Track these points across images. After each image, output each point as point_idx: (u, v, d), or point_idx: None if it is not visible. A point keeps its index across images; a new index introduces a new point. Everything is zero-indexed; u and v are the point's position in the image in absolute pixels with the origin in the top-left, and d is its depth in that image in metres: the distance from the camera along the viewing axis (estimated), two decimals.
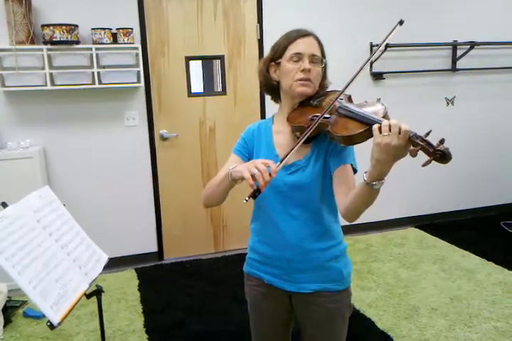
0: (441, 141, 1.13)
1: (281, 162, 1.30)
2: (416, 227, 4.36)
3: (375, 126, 1.17)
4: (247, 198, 1.25)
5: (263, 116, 3.79)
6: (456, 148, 4.39)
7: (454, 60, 4.22)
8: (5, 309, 2.82)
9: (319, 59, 1.46)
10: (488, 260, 3.60)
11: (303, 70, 1.43)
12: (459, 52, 4.20)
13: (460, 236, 4.09)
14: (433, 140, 1.14)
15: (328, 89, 1.55)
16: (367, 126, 1.26)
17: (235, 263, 3.64)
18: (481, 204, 4.66)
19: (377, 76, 4.01)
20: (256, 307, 1.66)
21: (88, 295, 1.42)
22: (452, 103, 4.35)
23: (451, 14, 4.17)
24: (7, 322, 2.82)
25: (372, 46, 3.94)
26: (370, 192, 1.25)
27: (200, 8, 3.56)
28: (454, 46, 4.19)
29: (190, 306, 3.04)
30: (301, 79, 1.44)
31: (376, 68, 3.99)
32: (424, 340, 2.62)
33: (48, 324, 1.17)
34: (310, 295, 1.52)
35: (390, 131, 1.15)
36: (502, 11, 4.33)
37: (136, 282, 3.41)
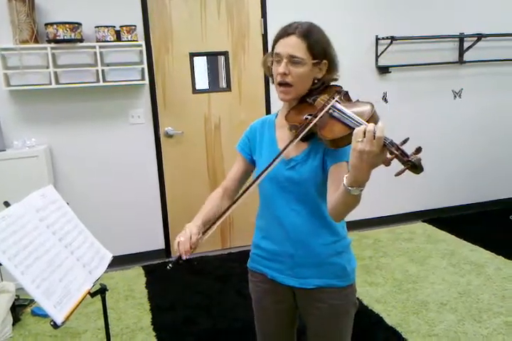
0: (417, 150, 1.08)
1: (205, 231, 1.47)
2: (424, 222, 4.33)
3: (355, 131, 1.14)
4: (170, 265, 1.39)
5: (268, 111, 3.76)
6: (464, 141, 4.39)
7: (461, 53, 4.17)
8: (13, 307, 2.83)
9: (300, 59, 1.39)
10: (498, 254, 3.56)
11: (278, 74, 1.41)
12: (466, 45, 4.15)
13: (469, 230, 4.06)
14: (409, 148, 1.09)
15: (332, 83, 1.51)
16: (350, 130, 1.22)
17: (242, 260, 3.59)
18: (489, 198, 4.61)
19: (383, 70, 3.98)
20: (260, 304, 1.65)
21: (92, 294, 1.42)
22: (460, 96, 4.30)
23: (458, 6, 4.12)
24: (16, 320, 2.83)
25: (378, 39, 3.90)
26: (348, 197, 1.21)
27: (203, 3, 3.54)
28: (461, 38, 4.14)
29: (197, 303, 3.04)
30: (279, 84, 1.43)
31: (382, 62, 3.95)
32: (434, 335, 2.60)
33: (52, 323, 1.17)
34: (313, 291, 1.50)
35: (364, 136, 1.11)
36: (509, 2, 4.27)
37: (144, 279, 3.42)
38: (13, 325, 2.79)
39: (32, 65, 3.10)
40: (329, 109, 1.34)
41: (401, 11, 3.95)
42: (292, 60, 1.39)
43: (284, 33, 1.41)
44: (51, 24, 3.04)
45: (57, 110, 3.35)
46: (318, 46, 1.41)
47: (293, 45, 1.39)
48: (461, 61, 4.18)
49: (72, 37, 3.08)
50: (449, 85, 4.26)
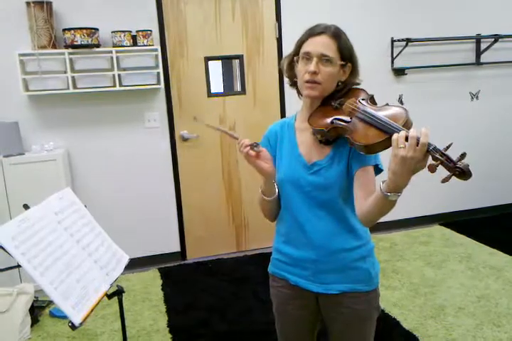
0: (462, 156, 1.07)
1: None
2: (441, 225, 4.28)
3: (395, 136, 1.12)
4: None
5: (283, 115, 3.77)
6: (482, 144, 4.33)
7: (478, 54, 4.12)
8: (32, 309, 2.88)
9: (331, 59, 1.39)
10: None
11: (308, 72, 1.39)
12: (483, 46, 4.11)
13: (487, 233, 4.00)
14: (453, 153, 1.07)
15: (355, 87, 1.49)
16: (386, 135, 1.20)
17: (258, 263, 3.64)
18: (508, 200, 4.54)
19: (399, 72, 3.95)
20: (282, 309, 1.63)
21: (109, 296, 1.43)
22: (477, 97, 4.25)
23: (474, 7, 4.08)
24: (34, 321, 2.87)
25: (393, 41, 3.88)
26: (384, 203, 1.21)
27: (218, 8, 3.57)
28: (478, 39, 4.10)
29: (213, 306, 3.04)
30: (307, 82, 1.40)
31: (398, 64, 3.93)
32: (451, 340, 2.56)
33: (70, 324, 1.18)
34: (337, 296, 1.49)
35: (406, 142, 1.09)
36: None
37: (160, 282, 3.43)
38: (32, 326, 2.84)
39: (50, 70, 3.15)
40: (360, 112, 1.32)
41: (416, 13, 3.93)
42: (323, 58, 1.38)
43: (314, 31, 1.41)
44: (69, 30, 3.09)
45: (74, 114, 3.40)
46: (346, 48, 1.42)
47: (324, 44, 1.39)
48: (478, 62, 4.14)
49: (89, 42, 3.12)
50: (466, 87, 4.22)
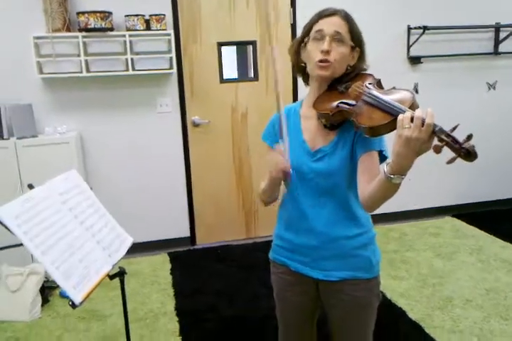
0: (469, 137, 1.05)
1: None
2: (453, 217, 4.23)
3: (400, 117, 1.11)
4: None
5: (295, 101, 3.73)
6: (497, 134, 4.25)
7: (497, 43, 4.03)
8: (42, 289, 2.93)
9: (343, 38, 1.38)
10: None
11: (321, 51, 1.37)
12: (502, 35, 4.01)
13: (499, 226, 3.95)
14: (460, 135, 1.05)
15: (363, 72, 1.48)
16: (392, 117, 1.19)
17: (266, 250, 3.60)
18: None
19: (415, 60, 3.89)
20: (282, 295, 1.64)
21: (111, 277, 1.45)
22: (494, 88, 4.17)
23: None
24: (44, 301, 2.93)
25: (409, 29, 3.81)
26: (388, 185, 1.20)
27: None
28: (497, 28, 4.01)
29: (220, 291, 3.07)
30: (320, 61, 1.38)
31: (414, 52, 3.87)
32: (458, 331, 2.55)
33: (70, 303, 1.21)
34: (338, 283, 1.49)
35: (412, 123, 1.08)
36: None
37: (169, 266, 3.47)
38: (42, 306, 2.90)
39: (64, 53, 3.16)
40: (366, 95, 1.30)
41: (434, 0, 3.84)
42: (336, 37, 1.37)
43: (325, 13, 1.41)
44: (83, 13, 3.09)
45: (87, 97, 3.41)
46: (356, 32, 1.42)
47: (336, 24, 1.38)
48: (496, 52, 4.05)
49: (103, 26, 3.12)
50: (484, 77, 4.13)
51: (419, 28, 3.75)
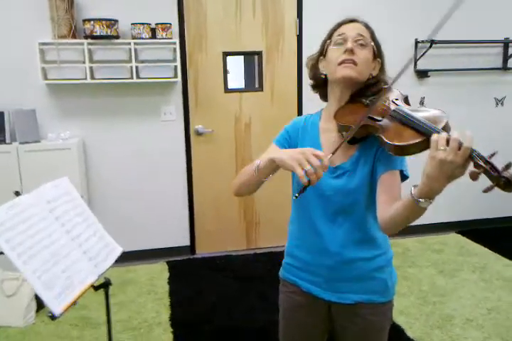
0: (507, 166, 0.98)
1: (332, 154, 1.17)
2: (458, 233, 4.17)
3: (435, 137, 1.03)
4: (297, 195, 1.17)
5: (300, 113, 3.72)
6: (505, 151, 4.18)
7: (505, 58, 3.99)
8: (37, 295, 2.91)
9: (367, 42, 1.33)
10: None
11: (345, 51, 1.30)
12: (511, 50, 3.97)
13: (504, 244, 3.87)
14: (498, 163, 0.99)
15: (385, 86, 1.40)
16: (424, 137, 1.11)
17: (266, 261, 3.61)
18: None
19: (422, 74, 3.86)
20: (290, 315, 1.54)
21: (96, 287, 1.42)
22: (502, 103, 4.12)
23: (503, 9, 3.94)
24: (39, 307, 2.91)
25: (417, 42, 3.79)
26: (413, 209, 1.11)
27: (239, 3, 3.54)
28: (506, 44, 3.97)
29: (217, 302, 3.03)
30: (343, 61, 1.31)
31: (421, 66, 3.84)
32: None
33: (49, 314, 1.18)
34: (352, 306, 1.41)
35: (447, 145, 1.01)
36: None
37: (167, 275, 3.44)
38: (37, 311, 2.87)
39: (69, 59, 3.18)
40: (395, 111, 1.23)
41: (442, 14, 3.81)
42: (359, 40, 1.33)
43: (345, 20, 1.38)
44: (89, 20, 3.10)
45: (91, 104, 3.42)
46: (377, 40, 1.39)
47: (360, 29, 1.35)
48: (505, 67, 4.00)
49: (109, 33, 3.13)
50: (492, 92, 4.09)
51: (427, 41, 3.73)
